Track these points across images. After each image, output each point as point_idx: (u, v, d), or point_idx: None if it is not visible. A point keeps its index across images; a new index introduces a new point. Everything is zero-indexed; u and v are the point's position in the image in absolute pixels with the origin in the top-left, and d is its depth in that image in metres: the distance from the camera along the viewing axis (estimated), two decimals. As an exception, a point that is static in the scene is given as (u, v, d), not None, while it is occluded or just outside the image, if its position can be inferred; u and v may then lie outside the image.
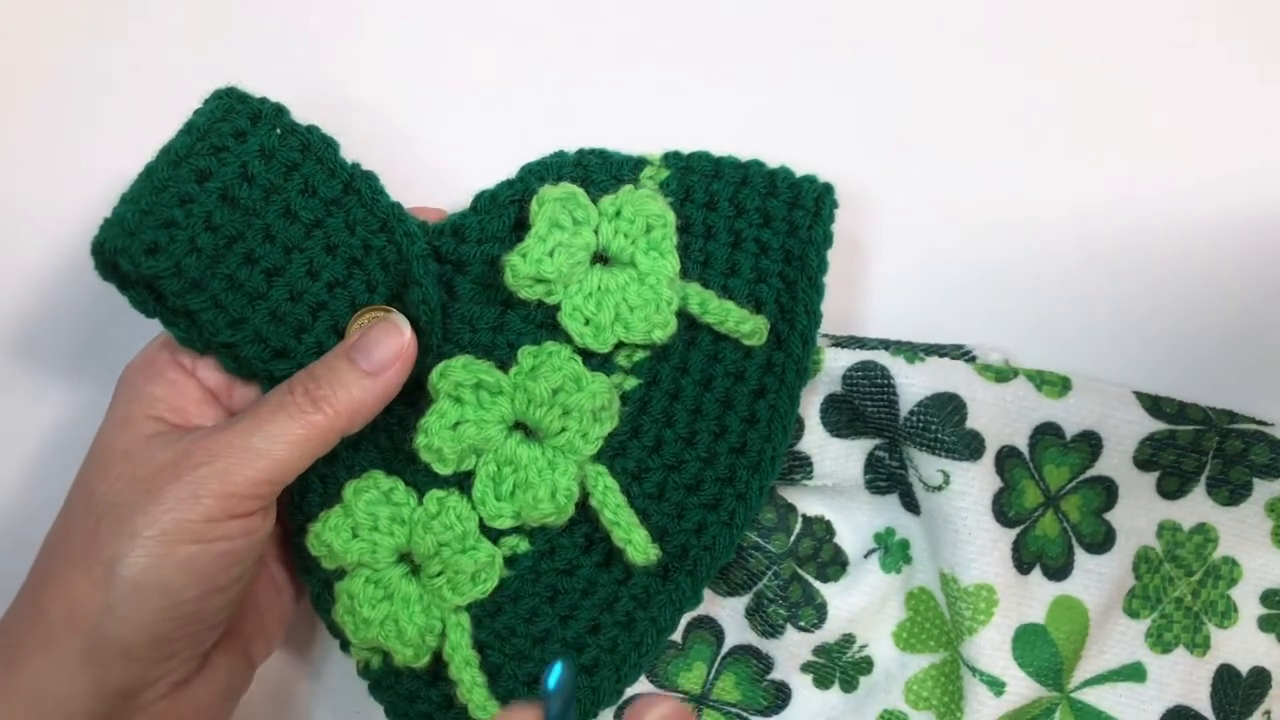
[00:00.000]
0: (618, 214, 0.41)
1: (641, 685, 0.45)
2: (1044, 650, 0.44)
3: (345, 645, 0.42)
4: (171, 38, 0.47)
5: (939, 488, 0.42)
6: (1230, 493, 0.44)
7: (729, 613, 0.45)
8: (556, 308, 0.41)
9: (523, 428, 0.40)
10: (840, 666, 0.45)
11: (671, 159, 0.43)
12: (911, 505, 0.45)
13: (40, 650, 0.35)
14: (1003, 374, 0.43)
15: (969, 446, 0.42)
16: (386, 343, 0.38)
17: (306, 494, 0.40)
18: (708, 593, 0.44)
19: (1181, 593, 0.45)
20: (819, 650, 0.45)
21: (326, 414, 0.37)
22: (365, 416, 0.38)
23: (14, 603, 0.37)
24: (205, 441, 0.36)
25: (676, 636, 0.45)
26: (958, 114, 0.47)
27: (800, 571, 0.45)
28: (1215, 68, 0.47)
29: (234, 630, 0.40)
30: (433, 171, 0.45)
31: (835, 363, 0.43)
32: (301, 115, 0.39)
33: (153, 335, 0.40)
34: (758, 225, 0.43)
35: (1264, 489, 0.44)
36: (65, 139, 0.47)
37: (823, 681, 0.46)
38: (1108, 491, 0.44)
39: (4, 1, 0.47)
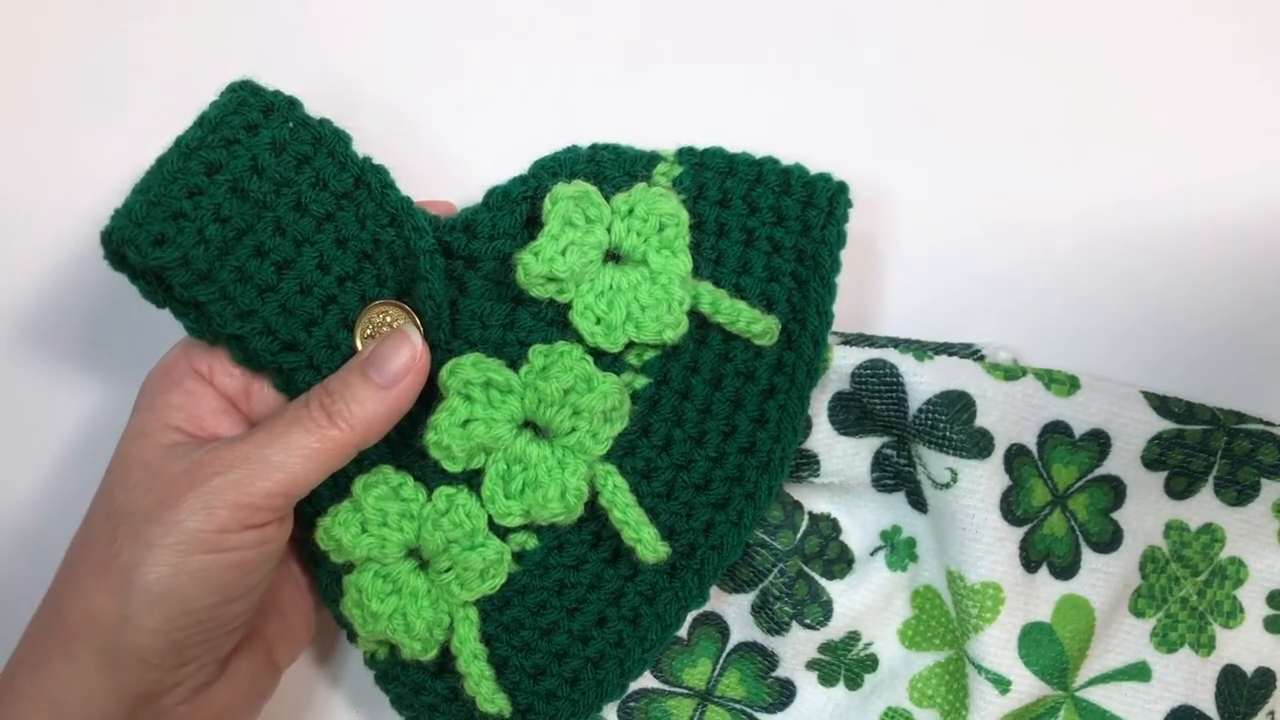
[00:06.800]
0: (631, 212, 0.40)
1: (646, 680, 0.45)
2: (1050, 649, 0.44)
3: (352, 636, 0.42)
4: (180, 35, 0.47)
5: (947, 485, 0.42)
6: (1238, 493, 0.44)
7: (735, 609, 0.45)
8: (568, 306, 0.40)
9: (533, 426, 0.40)
10: (845, 664, 0.45)
11: (685, 154, 0.43)
12: (918, 503, 0.45)
13: (60, 655, 0.36)
14: (1011, 372, 0.43)
15: (978, 444, 0.42)
16: (399, 355, 0.38)
17: (315, 487, 0.40)
18: (714, 589, 0.44)
19: (1187, 592, 0.45)
20: (824, 647, 0.45)
21: (342, 429, 0.37)
22: (380, 430, 0.38)
23: (40, 607, 0.38)
24: (221, 453, 0.36)
25: (682, 632, 0.45)
26: (968, 115, 0.47)
27: (806, 569, 0.45)
28: (1219, 68, 0.47)
29: (256, 634, 0.41)
30: (444, 165, 0.45)
31: (844, 360, 0.43)
32: (313, 109, 0.39)
33: (168, 331, 0.40)
34: (771, 224, 0.42)
35: (1271, 489, 0.44)
36: (70, 139, 0.47)
37: (828, 679, 0.46)
38: (1115, 491, 0.44)
39: (4, 2, 0.47)
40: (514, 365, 0.40)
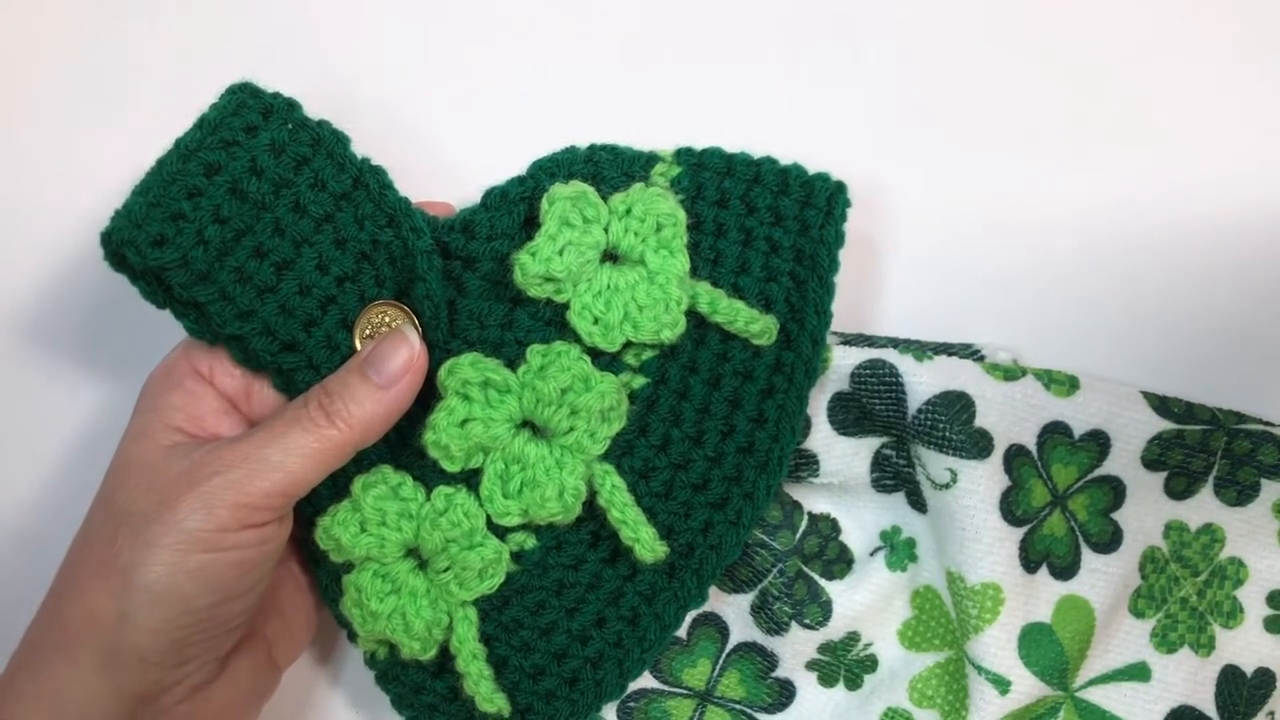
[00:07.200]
0: (628, 212, 0.41)
1: (646, 680, 0.45)
2: (1049, 649, 0.44)
3: (352, 635, 0.42)
4: (180, 35, 0.47)
5: (947, 486, 0.42)
6: (1238, 493, 0.44)
7: (734, 610, 0.45)
8: (565, 306, 0.40)
9: (531, 426, 0.40)
10: (845, 664, 0.45)
11: (683, 155, 0.43)
12: (918, 503, 0.45)
13: (61, 655, 0.36)
14: (1011, 373, 0.42)
15: (977, 445, 0.42)
16: (397, 355, 0.38)
17: (315, 487, 0.40)
18: (713, 589, 0.44)
19: (1187, 593, 0.45)
20: (824, 648, 0.45)
21: (340, 428, 0.37)
22: (379, 429, 0.38)
23: (40, 608, 0.38)
24: (220, 452, 0.36)
25: (681, 632, 0.45)
26: (968, 115, 0.47)
27: (806, 569, 0.45)
28: (1219, 68, 0.47)
29: (256, 633, 0.41)
30: (443, 165, 0.45)
31: (843, 360, 0.43)
32: (312, 110, 0.39)
33: (168, 332, 0.41)
34: (769, 223, 0.42)
35: (1271, 490, 0.44)
36: (70, 139, 0.47)
37: (827, 679, 0.46)
38: (1115, 491, 0.44)
39: (4, 2, 0.47)
40: (512, 365, 0.40)
